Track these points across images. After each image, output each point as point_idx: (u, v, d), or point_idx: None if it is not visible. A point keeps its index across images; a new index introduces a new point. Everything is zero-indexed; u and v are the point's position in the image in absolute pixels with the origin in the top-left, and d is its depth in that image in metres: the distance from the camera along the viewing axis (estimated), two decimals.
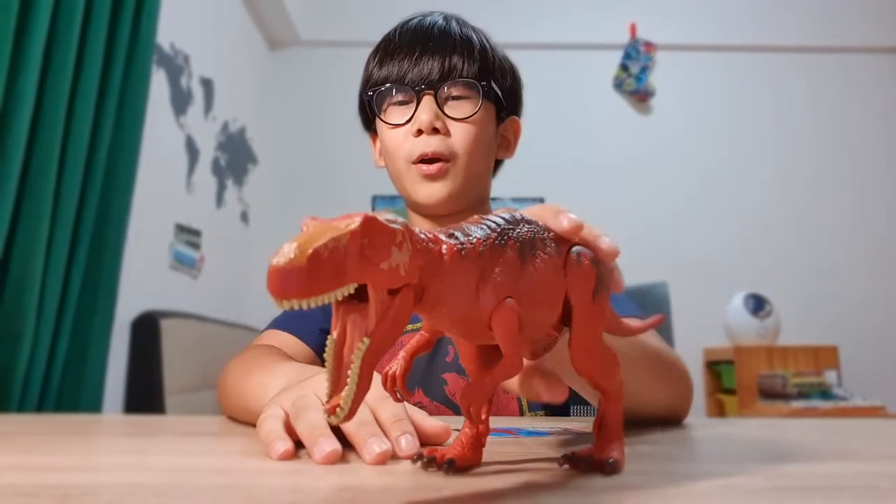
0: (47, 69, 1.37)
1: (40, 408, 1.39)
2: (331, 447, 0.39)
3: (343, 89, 3.61)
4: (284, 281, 0.24)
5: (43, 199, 1.35)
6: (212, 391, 2.28)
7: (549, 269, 0.34)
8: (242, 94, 2.97)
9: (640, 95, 3.34)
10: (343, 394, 0.28)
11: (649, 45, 3.35)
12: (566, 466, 0.37)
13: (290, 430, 0.43)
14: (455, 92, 0.78)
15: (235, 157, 2.88)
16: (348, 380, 0.28)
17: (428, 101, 0.76)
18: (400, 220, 0.29)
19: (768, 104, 3.34)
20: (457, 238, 0.32)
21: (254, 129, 3.08)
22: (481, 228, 0.33)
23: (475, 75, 0.77)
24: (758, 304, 2.82)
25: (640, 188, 3.22)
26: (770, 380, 2.64)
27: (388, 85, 0.78)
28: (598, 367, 0.37)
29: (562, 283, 0.35)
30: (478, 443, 0.37)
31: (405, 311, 0.29)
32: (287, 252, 0.25)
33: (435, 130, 0.76)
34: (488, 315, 0.31)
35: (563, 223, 0.36)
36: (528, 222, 0.35)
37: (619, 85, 3.35)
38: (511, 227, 0.34)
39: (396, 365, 0.36)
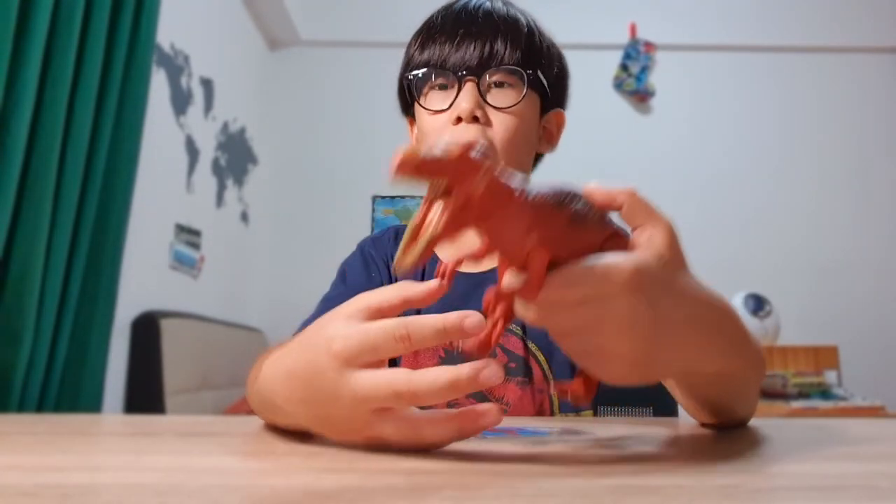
0: (47, 69, 1.37)
1: (40, 408, 1.39)
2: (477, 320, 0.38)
3: (343, 89, 3.60)
4: (401, 165, 0.33)
5: (43, 199, 1.35)
6: (212, 391, 2.28)
7: (587, 239, 0.41)
8: (242, 94, 2.97)
9: (640, 95, 3.34)
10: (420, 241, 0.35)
11: (649, 45, 3.35)
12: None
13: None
14: (498, 79, 0.74)
15: (235, 157, 2.88)
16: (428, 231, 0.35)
17: (470, 89, 0.73)
18: (486, 147, 0.36)
19: (769, 104, 3.34)
20: (529, 191, 0.38)
21: (254, 129, 3.08)
22: (553, 192, 0.39)
23: (519, 62, 0.74)
24: (758, 305, 2.82)
25: (640, 188, 3.22)
26: (770, 380, 2.63)
27: (428, 69, 0.75)
28: None
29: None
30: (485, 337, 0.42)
31: (473, 209, 0.36)
32: (405, 149, 0.33)
33: (475, 119, 0.72)
34: (526, 253, 0.38)
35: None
36: (590, 205, 0.42)
37: (619, 85, 3.35)
38: (574, 199, 0.40)
39: (452, 264, 0.41)
